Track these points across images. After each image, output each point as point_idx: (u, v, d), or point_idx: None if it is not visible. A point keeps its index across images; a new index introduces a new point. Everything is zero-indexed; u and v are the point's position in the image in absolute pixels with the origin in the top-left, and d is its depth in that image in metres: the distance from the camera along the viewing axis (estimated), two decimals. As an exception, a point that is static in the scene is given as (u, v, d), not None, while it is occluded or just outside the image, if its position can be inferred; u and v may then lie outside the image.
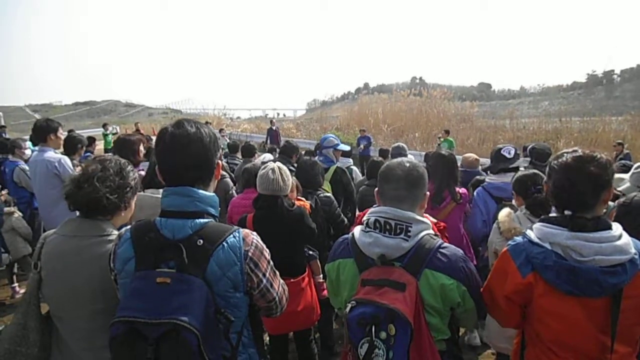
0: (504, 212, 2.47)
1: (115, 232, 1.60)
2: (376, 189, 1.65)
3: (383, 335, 1.30)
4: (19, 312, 1.64)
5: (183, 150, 1.28)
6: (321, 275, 2.89)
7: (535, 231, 1.46)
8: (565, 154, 1.43)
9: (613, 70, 51.49)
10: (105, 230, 1.59)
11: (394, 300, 1.34)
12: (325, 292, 2.81)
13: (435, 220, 1.84)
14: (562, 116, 20.48)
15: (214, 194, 1.38)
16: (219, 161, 1.39)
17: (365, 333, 1.32)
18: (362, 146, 13.67)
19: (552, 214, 1.51)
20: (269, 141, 16.06)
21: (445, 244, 1.53)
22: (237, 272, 1.28)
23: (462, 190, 3.31)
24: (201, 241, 1.25)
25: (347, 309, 1.39)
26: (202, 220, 1.29)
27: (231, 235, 1.29)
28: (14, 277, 4.85)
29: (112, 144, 9.94)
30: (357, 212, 4.23)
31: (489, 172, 3.57)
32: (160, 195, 1.37)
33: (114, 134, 15.66)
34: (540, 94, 54.77)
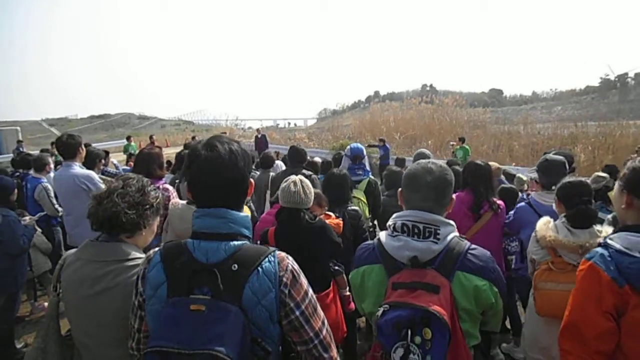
0: (543, 221, 2.42)
1: (139, 255, 1.57)
2: (399, 189, 1.62)
3: (417, 339, 1.27)
4: (39, 336, 1.64)
5: (218, 174, 1.22)
6: (347, 289, 2.82)
7: (620, 240, 1.38)
8: None
9: (627, 74, 50.75)
10: (128, 254, 1.56)
11: (430, 303, 1.30)
12: (352, 305, 2.75)
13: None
14: (577, 121, 20.13)
15: (247, 214, 1.32)
16: (251, 179, 1.34)
17: (401, 337, 1.28)
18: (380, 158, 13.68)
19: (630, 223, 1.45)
20: (254, 148, 16.09)
21: (474, 245, 1.51)
22: (272, 299, 1.19)
23: (500, 202, 3.21)
24: (236, 266, 1.18)
25: (379, 313, 1.34)
26: (236, 243, 1.22)
27: (266, 260, 1.21)
28: (35, 292, 4.86)
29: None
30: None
31: (536, 182, 3.26)
32: None
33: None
34: (553, 99, 54.23)
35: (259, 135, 17.46)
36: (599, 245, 1.46)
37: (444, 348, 1.27)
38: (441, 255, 1.44)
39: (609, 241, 1.42)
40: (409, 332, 1.27)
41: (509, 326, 3.91)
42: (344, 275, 2.78)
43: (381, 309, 1.34)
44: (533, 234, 2.47)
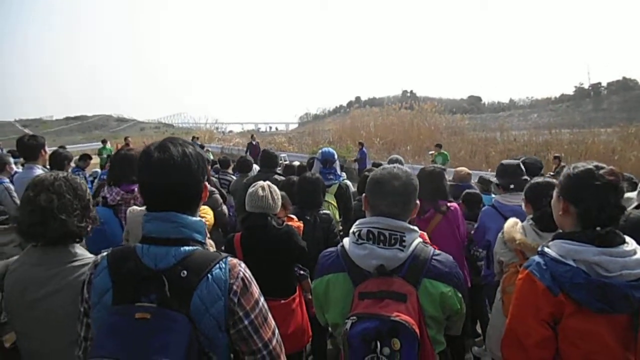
0: (510, 222, 2.39)
1: (87, 255, 1.51)
2: (364, 195, 1.59)
3: (386, 351, 1.24)
4: None
5: (169, 176, 1.17)
6: None
7: (554, 248, 1.39)
8: (592, 171, 1.38)
9: (600, 83, 52.27)
10: (75, 254, 1.51)
11: (398, 312, 1.29)
12: None
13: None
14: (552, 128, 20.58)
15: (200, 218, 1.27)
16: (206, 183, 1.30)
17: (370, 350, 1.25)
18: (355, 160, 13.82)
19: (567, 230, 1.45)
20: (248, 154, 16.20)
21: (437, 251, 1.51)
22: (221, 308, 1.14)
23: (453, 204, 3.15)
24: (185, 272, 1.13)
25: (347, 326, 1.31)
26: (187, 248, 1.17)
27: (217, 266, 1.16)
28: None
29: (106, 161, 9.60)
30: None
31: (498, 186, 3.25)
32: None
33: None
34: (529, 107, 55.35)
35: (254, 142, 17.66)
36: (537, 253, 1.46)
37: (414, 358, 1.26)
38: (407, 263, 1.42)
39: (545, 249, 1.42)
40: (378, 344, 1.25)
41: (479, 330, 3.94)
42: (309, 279, 2.76)
43: (349, 321, 1.32)
44: (500, 235, 2.46)
